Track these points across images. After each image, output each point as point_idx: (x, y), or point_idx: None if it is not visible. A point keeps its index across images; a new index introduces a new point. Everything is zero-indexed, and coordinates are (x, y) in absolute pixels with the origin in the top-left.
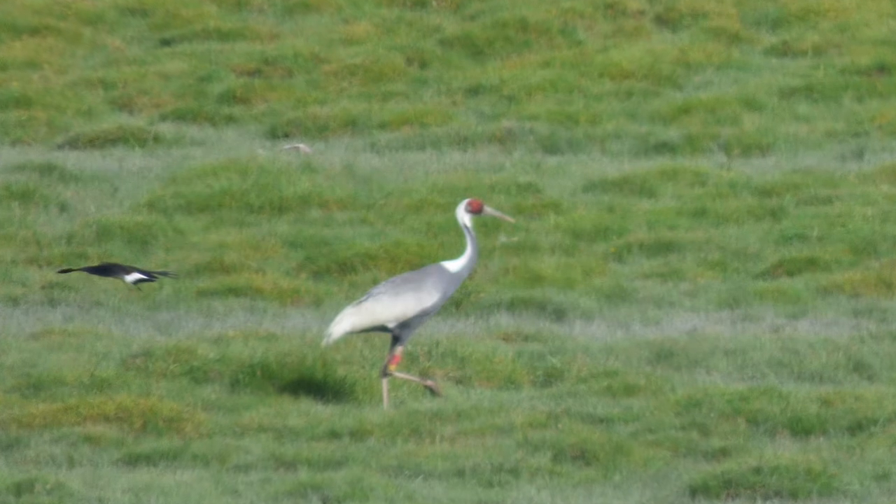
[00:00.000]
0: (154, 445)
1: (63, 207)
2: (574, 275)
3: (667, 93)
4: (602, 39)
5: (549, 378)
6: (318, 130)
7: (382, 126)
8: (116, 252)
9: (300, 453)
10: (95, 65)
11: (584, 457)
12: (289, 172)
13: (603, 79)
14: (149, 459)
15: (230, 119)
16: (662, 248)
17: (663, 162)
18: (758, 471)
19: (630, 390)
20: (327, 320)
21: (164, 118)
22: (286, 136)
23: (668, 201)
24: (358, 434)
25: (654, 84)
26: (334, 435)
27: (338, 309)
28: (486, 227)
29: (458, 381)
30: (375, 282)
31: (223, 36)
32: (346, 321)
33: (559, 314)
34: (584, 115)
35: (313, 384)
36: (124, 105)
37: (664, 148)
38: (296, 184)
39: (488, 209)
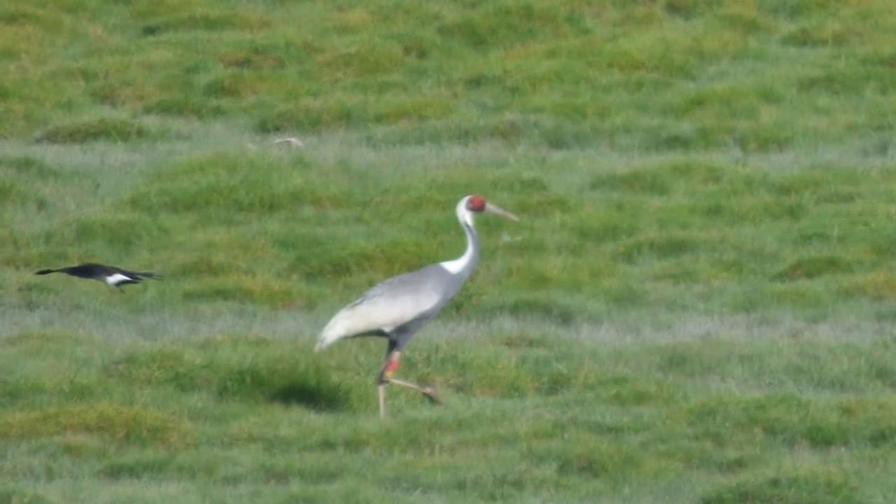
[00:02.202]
0: (137, 456)
1: (41, 205)
2: (581, 276)
3: (679, 84)
4: (611, 27)
5: (555, 385)
6: (311, 124)
7: (379, 119)
8: (98, 252)
9: (292, 464)
10: (76, 54)
11: (591, 468)
12: (280, 168)
13: (612, 69)
14: (132, 471)
15: (218, 112)
16: (674, 247)
17: (675, 157)
18: (775, 483)
19: (640, 398)
20: (320, 324)
21: (148, 111)
22: (277, 129)
23: (680, 198)
24: (353, 444)
25: (666, 74)
26: (328, 445)
27: (331, 312)
28: (488, 226)
29: (459, 389)
30: (371, 283)
31: (210, 24)
32: (341, 325)
33: (565, 318)
34: (591, 107)
35: (306, 392)
36: (106, 97)
37: (676, 142)
38: (287, 180)
39: (490, 207)
